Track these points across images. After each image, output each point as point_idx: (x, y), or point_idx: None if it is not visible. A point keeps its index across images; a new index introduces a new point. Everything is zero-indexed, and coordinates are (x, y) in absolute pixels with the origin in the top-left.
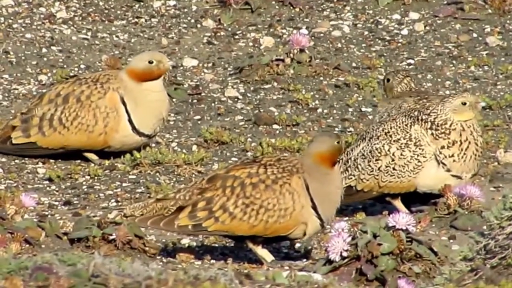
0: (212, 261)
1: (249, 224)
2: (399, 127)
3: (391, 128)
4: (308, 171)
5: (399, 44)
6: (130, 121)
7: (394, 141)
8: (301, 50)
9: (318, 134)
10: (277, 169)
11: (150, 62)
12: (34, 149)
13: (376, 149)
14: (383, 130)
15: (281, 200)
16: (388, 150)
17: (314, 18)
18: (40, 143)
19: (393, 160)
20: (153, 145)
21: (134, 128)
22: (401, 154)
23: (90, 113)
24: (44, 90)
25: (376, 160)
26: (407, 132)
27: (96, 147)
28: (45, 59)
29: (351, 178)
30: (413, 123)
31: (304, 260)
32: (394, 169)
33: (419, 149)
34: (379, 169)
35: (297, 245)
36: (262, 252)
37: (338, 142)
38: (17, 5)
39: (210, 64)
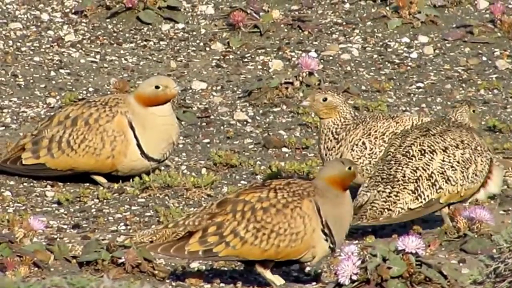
0: (222, 284)
1: (261, 249)
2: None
3: (464, 136)
4: (319, 194)
5: (409, 68)
6: (139, 145)
7: (474, 149)
8: (310, 73)
9: (333, 159)
10: (287, 193)
11: (157, 87)
12: (43, 171)
13: (467, 159)
14: (454, 140)
15: (293, 224)
16: (475, 159)
17: (323, 41)
18: (49, 164)
19: (476, 167)
20: (162, 168)
21: (143, 153)
22: (481, 161)
23: (97, 137)
24: (52, 113)
25: (467, 169)
26: (475, 139)
27: (104, 170)
28: (53, 82)
29: (439, 192)
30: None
31: (314, 283)
32: (476, 175)
33: (488, 154)
34: (468, 177)
35: (307, 268)
36: (272, 276)
37: (350, 168)
38: (26, 28)
39: (219, 87)
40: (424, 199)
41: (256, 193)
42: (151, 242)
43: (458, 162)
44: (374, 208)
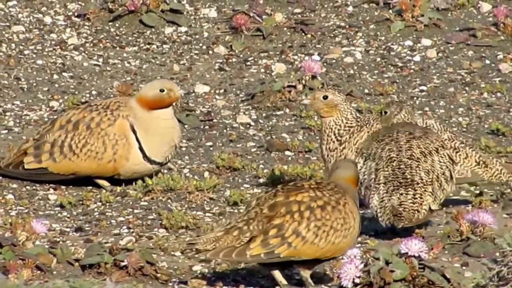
0: (224, 287)
1: (318, 247)
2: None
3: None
4: (348, 193)
5: (412, 71)
6: (141, 149)
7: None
8: (313, 77)
9: (342, 160)
10: (329, 191)
11: (162, 91)
12: (45, 175)
13: (452, 159)
14: (437, 141)
15: (347, 220)
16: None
17: (326, 44)
18: (51, 169)
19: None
20: (165, 171)
21: (145, 156)
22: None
23: (99, 141)
24: (55, 116)
25: (454, 168)
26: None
27: (107, 174)
28: (56, 85)
29: (444, 193)
30: None
31: (317, 286)
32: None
33: None
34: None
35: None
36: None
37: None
38: (28, 32)
39: (222, 91)
40: (439, 199)
41: (302, 193)
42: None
43: (449, 162)
44: (407, 210)
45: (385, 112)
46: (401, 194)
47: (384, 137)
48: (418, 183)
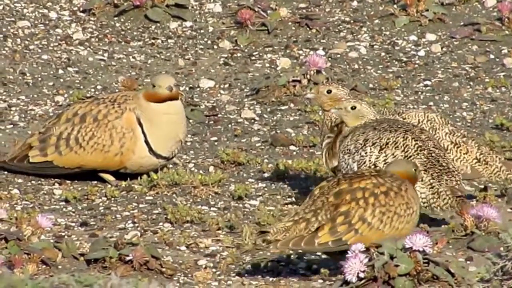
0: (229, 282)
1: (383, 233)
2: None
3: None
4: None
5: (416, 66)
6: (146, 142)
7: None
8: (318, 71)
9: (399, 159)
10: (389, 178)
11: (154, 86)
12: (50, 168)
13: None
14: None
15: (409, 205)
16: None
17: (330, 39)
18: (57, 162)
19: None
20: (170, 166)
21: (151, 150)
22: None
23: (106, 133)
24: (60, 111)
25: None
26: None
27: (112, 167)
28: (61, 80)
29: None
30: None
31: (321, 281)
32: None
33: None
34: None
35: (314, 266)
36: None
37: (415, 170)
38: (34, 27)
39: (226, 85)
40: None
41: (365, 180)
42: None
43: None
44: (464, 195)
45: (353, 108)
46: (447, 180)
47: (390, 126)
48: (453, 171)
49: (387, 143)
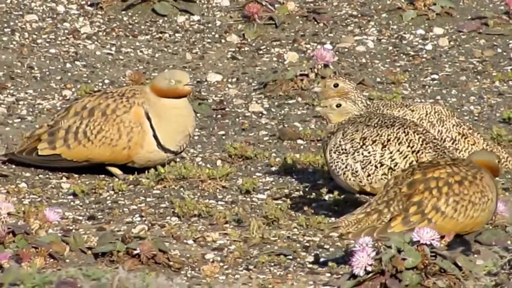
0: (237, 276)
1: (458, 222)
2: None
3: None
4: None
5: (424, 59)
6: (155, 136)
7: None
8: (325, 65)
9: (483, 150)
10: (465, 166)
11: (170, 82)
12: (59, 161)
13: None
14: None
15: (484, 193)
16: None
17: (338, 33)
18: (65, 155)
19: None
20: (178, 160)
21: (159, 144)
22: None
23: (114, 127)
24: (69, 104)
25: None
26: None
27: (120, 161)
28: (69, 74)
29: None
30: None
31: (328, 274)
32: None
33: None
34: None
35: (322, 259)
36: None
37: (498, 161)
38: (42, 20)
39: (234, 79)
40: None
41: (440, 169)
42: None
43: None
44: None
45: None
46: None
47: (384, 122)
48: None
49: (388, 140)
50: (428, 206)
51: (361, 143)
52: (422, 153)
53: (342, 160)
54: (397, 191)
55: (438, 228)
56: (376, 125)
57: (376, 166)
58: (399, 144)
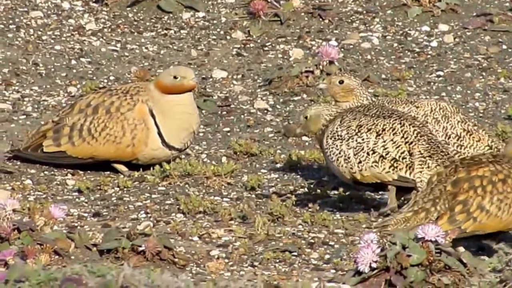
0: (242, 272)
1: (501, 219)
2: None
3: None
4: None
5: (429, 56)
6: (159, 134)
7: None
8: (331, 62)
9: None
10: (506, 164)
11: (175, 78)
12: (64, 158)
13: None
14: None
15: None
16: None
17: (343, 30)
18: (70, 152)
19: None
20: (183, 157)
21: (163, 141)
22: None
23: (118, 125)
24: (74, 101)
25: None
26: None
27: (125, 158)
28: (74, 70)
29: None
30: None
31: (333, 271)
32: None
33: None
34: None
35: (327, 256)
36: None
37: None
38: (47, 17)
39: (239, 76)
40: None
41: (483, 167)
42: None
43: None
44: None
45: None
46: None
47: (382, 113)
48: (453, 157)
49: (383, 129)
50: (473, 205)
51: (357, 130)
52: (415, 144)
53: (336, 145)
54: (442, 189)
55: (482, 226)
56: (374, 115)
57: (368, 153)
58: (393, 134)
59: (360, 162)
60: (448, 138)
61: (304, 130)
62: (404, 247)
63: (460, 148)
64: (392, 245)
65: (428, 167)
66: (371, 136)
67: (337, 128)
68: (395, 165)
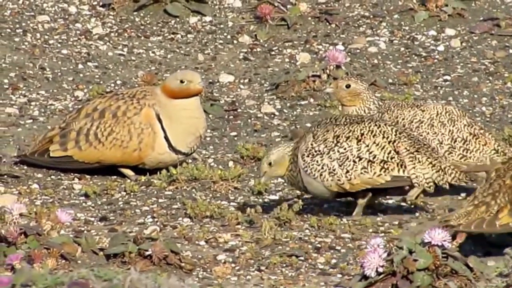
0: (248, 277)
1: None
2: None
3: None
4: None
5: (436, 60)
6: (166, 138)
7: None
8: (338, 66)
9: None
10: None
11: (182, 82)
12: (70, 163)
13: None
14: None
15: None
16: None
17: (350, 34)
18: (77, 157)
19: None
20: (190, 161)
21: (170, 146)
22: None
23: (124, 129)
24: (80, 106)
25: None
26: None
27: (131, 163)
28: (81, 75)
29: None
30: None
31: (340, 275)
32: None
33: None
34: None
35: (333, 260)
36: None
37: None
38: (53, 21)
39: (246, 80)
40: None
41: None
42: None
43: None
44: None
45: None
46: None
47: (352, 119)
48: (435, 148)
49: (362, 134)
50: None
51: (335, 141)
52: (399, 142)
53: (317, 161)
54: (501, 184)
55: None
56: (346, 123)
57: (354, 161)
58: (373, 136)
59: (347, 171)
60: (454, 142)
61: (271, 175)
62: (410, 252)
63: (466, 152)
64: (398, 250)
65: (419, 161)
66: (352, 143)
67: (311, 144)
68: (385, 166)
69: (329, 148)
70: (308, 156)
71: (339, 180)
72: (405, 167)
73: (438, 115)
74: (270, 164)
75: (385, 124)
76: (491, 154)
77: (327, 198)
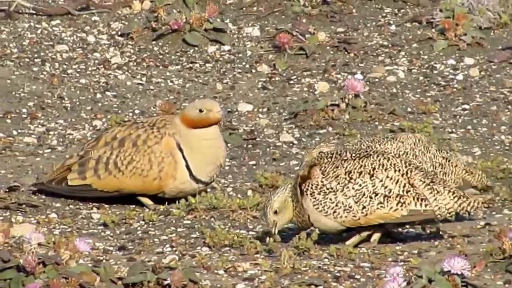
0: None
1: None
2: None
3: None
4: None
5: (454, 89)
6: (187, 167)
7: None
8: (356, 95)
9: None
10: None
11: (201, 111)
12: (89, 192)
13: None
14: None
15: None
16: None
17: (369, 63)
18: (95, 185)
19: None
20: (208, 190)
21: (191, 175)
22: None
23: (145, 158)
24: (99, 134)
25: None
26: None
27: (151, 191)
28: (99, 104)
29: None
30: None
31: None
32: None
33: None
34: None
35: None
36: None
37: None
38: (72, 51)
39: (265, 109)
40: None
41: None
42: None
43: None
44: None
45: None
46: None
47: (358, 153)
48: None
49: (373, 168)
50: None
51: (348, 178)
52: (411, 174)
53: (330, 199)
54: None
55: None
56: (354, 157)
57: (370, 197)
58: (385, 170)
59: (364, 207)
60: (435, 168)
61: (282, 223)
62: (430, 281)
63: (445, 176)
64: (418, 278)
65: (438, 192)
66: (366, 178)
67: (322, 181)
68: (401, 200)
69: (343, 185)
70: (319, 194)
71: (354, 216)
72: (421, 200)
73: (415, 144)
74: (276, 212)
75: (393, 156)
76: (463, 175)
77: (334, 233)
